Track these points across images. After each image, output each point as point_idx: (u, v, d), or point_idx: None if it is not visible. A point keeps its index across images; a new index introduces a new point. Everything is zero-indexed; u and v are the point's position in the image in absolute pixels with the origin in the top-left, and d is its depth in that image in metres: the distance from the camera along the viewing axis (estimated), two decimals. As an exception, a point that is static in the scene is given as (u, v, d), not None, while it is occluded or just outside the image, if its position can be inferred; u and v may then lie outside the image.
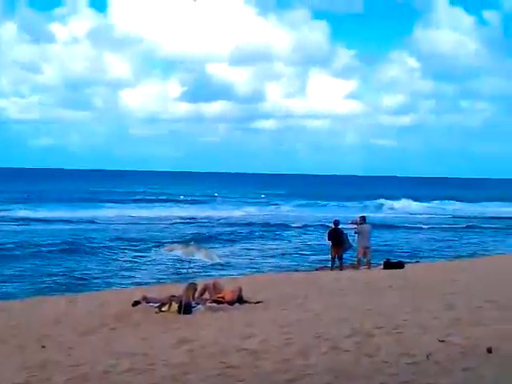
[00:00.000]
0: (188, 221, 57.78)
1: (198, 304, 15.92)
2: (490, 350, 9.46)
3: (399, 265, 25.70)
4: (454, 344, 10.18)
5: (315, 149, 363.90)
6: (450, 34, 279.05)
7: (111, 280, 26.84)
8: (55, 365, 10.54)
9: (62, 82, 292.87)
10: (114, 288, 24.03)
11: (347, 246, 25.83)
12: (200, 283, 17.26)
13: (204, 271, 25.59)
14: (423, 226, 56.40)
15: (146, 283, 24.82)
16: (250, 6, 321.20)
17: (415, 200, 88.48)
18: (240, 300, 16.40)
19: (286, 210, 75.03)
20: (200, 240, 32.36)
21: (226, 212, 67.60)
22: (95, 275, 28.00)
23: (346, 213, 54.45)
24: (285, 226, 53.79)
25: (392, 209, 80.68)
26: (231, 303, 16.15)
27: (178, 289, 16.62)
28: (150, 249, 35.54)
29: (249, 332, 12.10)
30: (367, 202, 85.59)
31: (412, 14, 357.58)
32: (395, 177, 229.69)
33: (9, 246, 36.14)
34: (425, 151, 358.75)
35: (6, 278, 26.80)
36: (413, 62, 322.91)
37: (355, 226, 26.47)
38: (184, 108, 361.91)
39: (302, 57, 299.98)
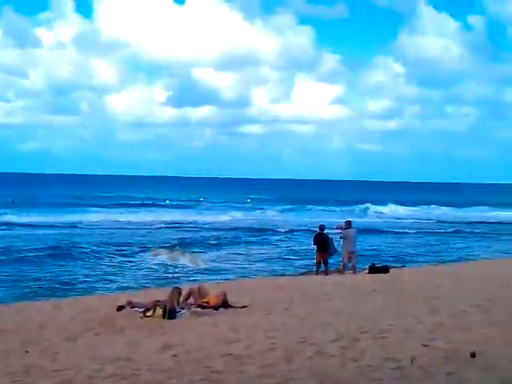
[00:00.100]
0: (173, 225, 57.70)
1: (183, 309, 15.90)
2: (473, 355, 9.49)
3: (384, 269, 25.78)
4: (437, 348, 10.21)
5: (301, 153, 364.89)
6: (435, 40, 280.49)
7: (96, 285, 26.73)
8: (39, 370, 10.50)
9: (47, 86, 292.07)
10: (99, 293, 23.94)
11: (332, 250, 25.86)
12: (185, 288, 17.23)
13: (189, 276, 25.56)
14: (409, 231, 56.51)
15: (131, 288, 24.76)
16: (235, 11, 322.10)
17: (401, 205, 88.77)
18: (225, 305, 16.39)
19: (272, 215, 75.02)
20: (185, 245, 32.34)
21: (212, 217, 67.47)
22: (80, 280, 27.87)
23: (332, 217, 54.52)
24: (270, 231, 53.74)
25: (378, 213, 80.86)
26: (216, 308, 16.14)
27: (163, 294, 16.61)
28: (135, 253, 35.45)
29: (233, 337, 12.10)
30: (353, 207, 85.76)
31: (397, 20, 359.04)
32: (381, 181, 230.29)
33: (-7, 250, 35.91)
34: (410, 156, 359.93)
35: (-10, 282, 26.66)
36: (398, 67, 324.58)
37: (340, 230, 26.50)
38: (170, 113, 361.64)
39: (288, 62, 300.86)
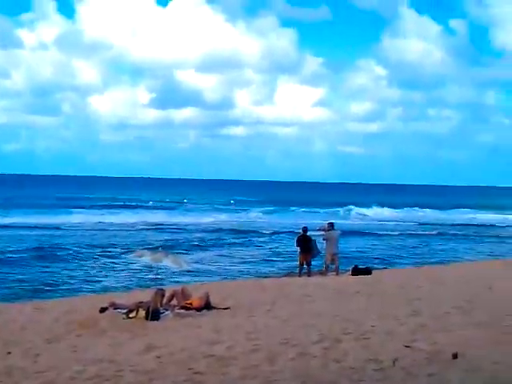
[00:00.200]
0: (157, 227, 57.49)
1: (166, 310, 15.88)
2: (455, 356, 9.55)
3: (367, 271, 25.84)
4: (419, 350, 10.27)
5: (284, 155, 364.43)
6: (417, 43, 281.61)
7: (79, 286, 26.66)
8: (21, 371, 10.48)
9: (30, 87, 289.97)
10: (82, 294, 23.87)
11: (315, 252, 25.91)
12: (168, 289, 17.23)
13: (172, 277, 25.53)
14: (391, 233, 56.66)
15: (114, 289, 24.72)
16: (218, 13, 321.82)
17: (384, 207, 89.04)
18: (208, 306, 16.39)
19: (256, 217, 75.07)
20: (168, 246, 32.37)
21: (195, 218, 67.39)
22: (63, 281, 27.78)
23: (315, 219, 54.66)
24: (254, 233, 53.79)
25: (361, 215, 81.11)
26: (199, 309, 16.14)
27: (146, 295, 16.60)
28: (118, 255, 35.36)
29: (216, 338, 12.11)
30: (337, 209, 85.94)
31: (379, 23, 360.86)
32: (363, 184, 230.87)
33: (-25, 252, 35.74)
34: (392, 158, 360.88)
35: (-28, 284, 26.53)
36: (380, 70, 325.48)
37: (323, 232, 26.56)
38: (153, 114, 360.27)
39: (271, 64, 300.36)
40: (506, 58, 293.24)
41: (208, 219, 66.56)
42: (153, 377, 9.58)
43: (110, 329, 14.48)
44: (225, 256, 38.17)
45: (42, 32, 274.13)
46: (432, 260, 37.12)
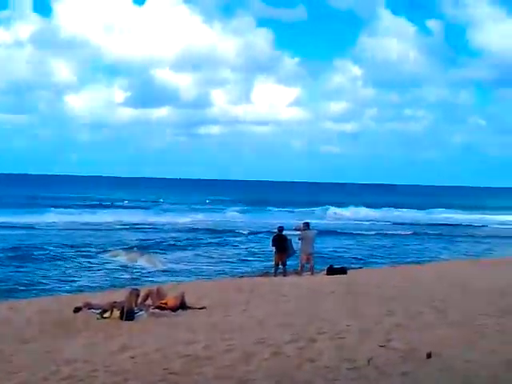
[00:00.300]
0: (132, 226, 57.36)
1: (141, 310, 15.86)
2: (429, 355, 9.60)
3: (342, 271, 25.91)
4: (394, 349, 10.30)
5: (261, 155, 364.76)
6: (394, 43, 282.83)
7: (53, 286, 26.55)
8: (-6, 372, 10.40)
9: (4, 85, 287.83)
10: (56, 294, 23.73)
11: (291, 252, 25.93)
12: (143, 289, 17.21)
13: (147, 277, 25.50)
14: (368, 233, 56.96)
15: (88, 289, 24.61)
16: (195, 12, 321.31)
17: (360, 206, 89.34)
18: (183, 306, 16.39)
19: (232, 216, 75.08)
20: (144, 246, 32.32)
21: (171, 218, 67.21)
22: (37, 281, 27.65)
23: (291, 219, 54.78)
24: (230, 232, 53.83)
25: (337, 215, 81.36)
26: (174, 309, 16.13)
27: (121, 295, 16.55)
28: (92, 255, 35.15)
29: (191, 338, 12.09)
30: (314, 209, 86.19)
31: (356, 23, 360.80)
32: (339, 183, 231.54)
33: None
34: (368, 158, 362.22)
35: None
36: (356, 70, 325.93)
37: (299, 232, 26.60)
38: (129, 113, 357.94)
39: (247, 64, 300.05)
40: (482, 58, 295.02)
41: (184, 219, 66.43)
42: (127, 377, 9.54)
43: (85, 329, 14.45)
44: (200, 256, 38.15)
45: (17, 30, 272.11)
46: (407, 260, 37.35)
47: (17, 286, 26.06)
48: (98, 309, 16.00)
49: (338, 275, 24.77)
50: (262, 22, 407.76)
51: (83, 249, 38.45)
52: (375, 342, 10.79)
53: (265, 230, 50.09)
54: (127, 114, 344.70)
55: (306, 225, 26.66)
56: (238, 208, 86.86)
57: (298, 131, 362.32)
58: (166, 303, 16.35)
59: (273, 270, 26.50)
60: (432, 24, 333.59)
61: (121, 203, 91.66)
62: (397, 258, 39.02)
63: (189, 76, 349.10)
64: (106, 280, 27.58)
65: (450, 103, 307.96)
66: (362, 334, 11.61)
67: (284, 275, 25.62)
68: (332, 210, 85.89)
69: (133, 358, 10.77)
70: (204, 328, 13.42)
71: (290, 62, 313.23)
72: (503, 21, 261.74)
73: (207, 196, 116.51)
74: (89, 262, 33.06)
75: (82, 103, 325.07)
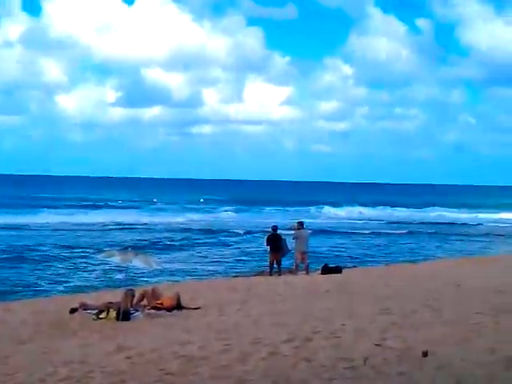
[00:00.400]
0: (126, 227, 57.29)
1: (137, 311, 15.86)
2: (425, 354, 9.62)
3: (337, 270, 25.95)
4: (390, 348, 10.32)
5: (252, 154, 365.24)
6: (384, 42, 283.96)
7: (48, 287, 26.52)
8: (-10, 374, 10.38)
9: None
10: (51, 295, 23.73)
11: (285, 251, 25.95)
12: (138, 290, 17.20)
13: (142, 278, 25.49)
14: (362, 232, 57.03)
15: (84, 290, 24.56)
16: (184, 11, 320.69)
17: (355, 205, 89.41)
18: (178, 306, 16.38)
19: (225, 216, 75.10)
20: (138, 246, 32.26)
21: (165, 218, 67.22)
22: (32, 282, 27.63)
23: (285, 218, 54.90)
24: (224, 232, 53.82)
25: (332, 214, 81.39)
26: (170, 309, 16.13)
27: (116, 295, 16.54)
28: (87, 255, 35.14)
29: (187, 338, 12.09)
30: (308, 208, 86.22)
31: (346, 22, 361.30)
32: (331, 182, 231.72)
33: None
34: (360, 157, 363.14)
35: None
36: (347, 69, 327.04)
37: (293, 231, 26.62)
38: (120, 113, 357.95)
39: (238, 63, 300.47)
40: (472, 56, 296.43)
41: (178, 219, 66.47)
42: (123, 378, 9.54)
43: (80, 330, 14.43)
44: (195, 256, 38.17)
45: (6, 30, 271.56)
46: (402, 258, 37.36)
47: (12, 288, 26.01)
48: (93, 309, 15.99)
49: (333, 274, 24.83)
50: (252, 21, 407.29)
51: (77, 249, 38.43)
52: (371, 341, 10.81)
53: (259, 229, 50.10)
54: (119, 113, 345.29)
55: (300, 224, 26.69)
56: (231, 207, 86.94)
57: (290, 130, 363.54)
58: (161, 303, 16.35)
59: (268, 270, 26.52)
60: (422, 23, 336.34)
61: (114, 203, 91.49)
62: (392, 256, 39.08)
63: (180, 75, 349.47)
64: (101, 280, 27.55)
65: (440, 102, 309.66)
66: (357, 333, 11.64)
67: (279, 274, 25.63)
68: (326, 209, 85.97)
69: (129, 358, 10.76)
70: (199, 328, 13.43)
71: (280, 61, 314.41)
72: (492, 19, 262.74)
73: (200, 196, 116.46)
74: (83, 263, 33.02)
75: (73, 103, 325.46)
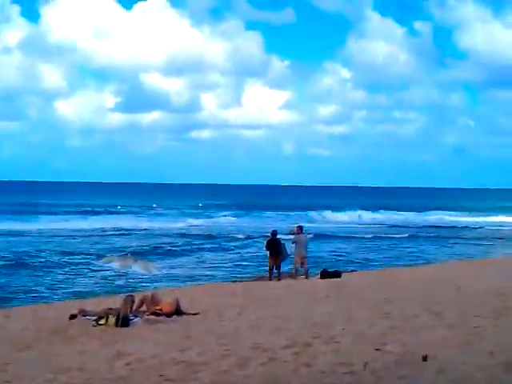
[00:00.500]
0: (126, 232, 57.24)
1: (136, 317, 15.81)
2: (425, 358, 9.60)
3: (336, 274, 25.92)
4: (390, 352, 10.29)
5: (252, 158, 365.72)
6: (382, 45, 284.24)
7: (47, 293, 26.46)
8: (-11, 381, 10.36)
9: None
10: (50, 301, 23.68)
11: (285, 256, 25.92)
12: (138, 295, 17.16)
13: (142, 283, 25.45)
14: (364, 236, 56.89)
15: (83, 296, 24.52)
16: (183, 16, 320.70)
17: (356, 209, 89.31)
18: (178, 312, 16.34)
19: (225, 221, 75.08)
20: (138, 252, 32.21)
21: (165, 223, 67.21)
22: (31, 288, 27.56)
23: (285, 223, 54.92)
24: (223, 237, 53.73)
25: (332, 218, 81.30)
26: (169, 315, 16.09)
27: (116, 301, 16.51)
28: (86, 261, 35.13)
29: (187, 344, 12.07)
30: (308, 212, 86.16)
31: (345, 25, 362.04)
32: (331, 186, 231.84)
33: None
34: (359, 160, 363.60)
35: None
36: (346, 73, 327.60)
37: (292, 235, 26.59)
38: (119, 118, 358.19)
39: (237, 67, 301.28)
40: (471, 59, 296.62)
41: (177, 224, 66.43)
42: (123, 384, 9.53)
43: (80, 336, 14.39)
44: (194, 261, 38.15)
45: (5, 36, 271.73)
46: (403, 262, 37.35)
47: (11, 294, 25.97)
48: (93, 315, 15.94)
49: (333, 278, 24.80)
50: (250, 26, 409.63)
51: (77, 255, 38.40)
52: (371, 346, 10.78)
53: (258, 234, 50.07)
54: (118, 119, 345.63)
55: (300, 228, 26.65)
56: (231, 212, 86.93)
57: (289, 134, 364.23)
58: (160, 309, 16.31)
59: (267, 274, 26.49)
60: (420, 26, 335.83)
61: (113, 209, 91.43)
62: (392, 260, 39.03)
63: (178, 80, 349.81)
64: (101, 286, 27.49)
65: (439, 105, 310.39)
66: (357, 338, 11.61)
67: (278, 279, 25.59)
68: (326, 213, 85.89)
69: (128, 364, 10.74)
70: (199, 333, 13.40)
71: (279, 65, 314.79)
72: (490, 22, 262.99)
73: (200, 201, 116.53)
74: (83, 269, 32.99)
75: (72, 109, 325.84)
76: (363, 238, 55.64)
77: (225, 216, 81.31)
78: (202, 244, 48.36)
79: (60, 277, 30.99)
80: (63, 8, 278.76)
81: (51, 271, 32.65)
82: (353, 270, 31.01)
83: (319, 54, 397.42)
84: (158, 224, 66.05)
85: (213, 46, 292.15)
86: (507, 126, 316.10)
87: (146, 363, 10.72)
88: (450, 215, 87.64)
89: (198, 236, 54.52)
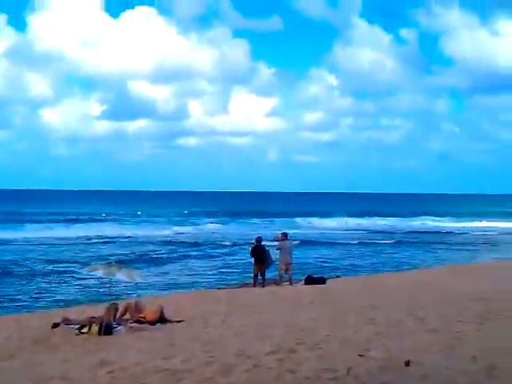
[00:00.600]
0: (110, 240, 57.01)
1: (120, 325, 15.72)
2: (407, 363, 9.59)
3: (321, 280, 25.93)
4: (373, 358, 10.27)
5: (239, 165, 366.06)
6: (369, 52, 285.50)
7: (30, 302, 26.31)
8: (-29, 391, 10.27)
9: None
10: (34, 310, 23.52)
11: (270, 262, 25.91)
12: (121, 303, 17.07)
13: (126, 291, 25.34)
14: (350, 242, 57.01)
15: (67, 304, 24.40)
16: (170, 24, 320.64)
17: (342, 216, 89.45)
18: (162, 319, 16.29)
19: (210, 228, 74.97)
20: (122, 260, 32.09)
21: (150, 231, 67.04)
22: (14, 297, 27.40)
23: (271, 229, 54.94)
24: (208, 244, 53.71)
25: (318, 224, 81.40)
26: (153, 323, 16.03)
27: (99, 310, 16.42)
28: (70, 269, 34.90)
29: (170, 352, 12.00)
30: (293, 219, 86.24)
31: (331, 33, 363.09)
32: (318, 192, 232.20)
33: None
34: (346, 167, 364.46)
35: None
36: (332, 80, 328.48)
37: (277, 242, 26.58)
38: (106, 126, 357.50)
39: (224, 75, 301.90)
40: (456, 66, 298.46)
41: (163, 231, 66.30)
42: (105, 393, 9.46)
43: (63, 345, 14.29)
44: (179, 268, 38.04)
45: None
46: (388, 268, 37.45)
47: (-6, 303, 25.82)
48: (76, 324, 15.84)
49: (317, 285, 24.80)
50: (237, 33, 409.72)
51: (61, 264, 38.21)
52: (355, 351, 10.76)
53: (244, 241, 49.97)
54: (104, 127, 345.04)
55: (285, 235, 26.64)
56: (217, 219, 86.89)
57: (276, 141, 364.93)
58: (144, 317, 16.25)
59: (252, 281, 26.46)
60: (406, 33, 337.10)
61: (98, 217, 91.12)
62: (378, 266, 39.12)
63: (165, 88, 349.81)
64: (84, 295, 27.38)
65: (425, 111, 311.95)
66: (341, 344, 11.59)
67: (263, 286, 25.58)
68: (313, 219, 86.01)
69: (111, 373, 10.65)
70: (183, 341, 13.33)
71: (266, 73, 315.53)
72: (475, 29, 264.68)
73: (186, 208, 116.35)
74: (67, 277, 32.80)
75: (58, 117, 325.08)
76: (349, 243, 55.77)
77: (211, 223, 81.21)
78: (188, 251, 48.29)
79: (44, 285, 30.82)
80: (50, 17, 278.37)
81: (35, 280, 32.46)
82: (338, 276, 31.06)
83: (306, 62, 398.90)
84: (143, 231, 65.84)
85: (200, 53, 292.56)
86: (492, 132, 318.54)
87: (129, 371, 10.64)
88: (435, 221, 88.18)
89: (183, 243, 54.44)
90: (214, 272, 36.48)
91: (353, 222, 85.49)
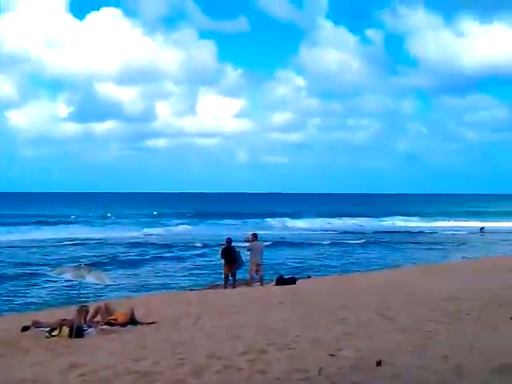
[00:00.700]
0: (80, 242, 56.68)
1: (90, 327, 15.63)
2: (378, 363, 9.64)
3: (291, 281, 25.99)
4: (344, 358, 10.31)
5: (207, 167, 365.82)
6: (335, 53, 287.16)
7: None
8: None
9: None
10: (3, 313, 23.32)
11: (240, 263, 25.93)
12: (92, 306, 16.99)
13: (96, 293, 25.21)
14: (320, 242, 57.15)
15: (37, 307, 24.22)
16: (136, 26, 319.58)
17: (313, 217, 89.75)
18: (133, 321, 16.21)
19: (181, 229, 74.84)
20: (92, 262, 31.90)
21: (119, 232, 66.78)
22: (-18, 301, 27.14)
23: (241, 230, 54.93)
24: (178, 246, 53.62)
25: (289, 225, 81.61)
26: (124, 325, 15.95)
27: (69, 312, 16.31)
28: (39, 272, 34.60)
29: (141, 353, 11.96)
30: (263, 220, 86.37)
31: (298, 34, 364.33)
32: (287, 193, 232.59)
33: None
34: (314, 168, 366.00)
35: None
36: (300, 81, 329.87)
37: (247, 243, 26.60)
38: (73, 128, 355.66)
39: (191, 76, 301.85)
40: (421, 66, 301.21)
41: (132, 233, 66.06)
42: (76, 396, 9.40)
43: (33, 348, 14.16)
44: (150, 270, 37.93)
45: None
46: (358, 268, 37.60)
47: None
48: (46, 327, 15.73)
49: (287, 285, 24.84)
50: (204, 34, 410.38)
51: (30, 266, 37.90)
52: (325, 352, 10.79)
53: (215, 242, 49.92)
54: (71, 128, 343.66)
55: (255, 236, 26.67)
56: (186, 220, 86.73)
57: (244, 142, 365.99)
58: (115, 319, 16.16)
59: (223, 282, 26.45)
60: (372, 34, 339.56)
61: (67, 219, 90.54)
62: (348, 266, 39.28)
63: (132, 89, 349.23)
64: (54, 298, 27.18)
65: (391, 111, 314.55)
66: (312, 344, 11.62)
67: (234, 287, 25.59)
68: (283, 220, 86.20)
69: (82, 375, 10.59)
70: (154, 343, 13.29)
71: (233, 74, 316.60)
72: (440, 29, 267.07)
73: (155, 209, 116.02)
74: (36, 280, 32.52)
75: (24, 119, 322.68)
76: (320, 244, 55.94)
77: (181, 224, 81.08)
78: (158, 253, 48.18)
79: (13, 288, 30.53)
80: (15, 18, 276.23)
81: (3, 282, 32.15)
82: (309, 276, 31.15)
83: (273, 63, 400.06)
84: (112, 233, 65.56)
85: (166, 54, 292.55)
86: (458, 133, 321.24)
87: (100, 374, 10.59)
88: (404, 221, 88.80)
89: (153, 245, 54.29)
90: (185, 273, 36.40)
91: (323, 222, 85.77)
